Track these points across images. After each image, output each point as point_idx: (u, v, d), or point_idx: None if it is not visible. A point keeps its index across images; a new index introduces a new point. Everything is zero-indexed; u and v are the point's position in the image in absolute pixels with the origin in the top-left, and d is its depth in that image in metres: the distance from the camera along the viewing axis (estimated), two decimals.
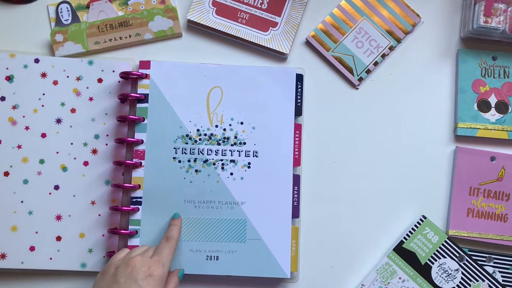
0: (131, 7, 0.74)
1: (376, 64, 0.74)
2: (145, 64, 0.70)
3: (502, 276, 0.71)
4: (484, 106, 0.74)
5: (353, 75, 0.74)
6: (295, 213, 0.70)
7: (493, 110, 0.74)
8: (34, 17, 0.74)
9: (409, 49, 0.75)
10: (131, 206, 0.68)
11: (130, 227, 0.68)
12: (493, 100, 0.74)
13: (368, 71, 0.74)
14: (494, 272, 0.71)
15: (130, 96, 0.69)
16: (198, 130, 0.70)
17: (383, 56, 0.74)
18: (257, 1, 0.74)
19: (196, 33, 0.75)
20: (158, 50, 0.74)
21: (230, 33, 0.73)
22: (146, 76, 0.70)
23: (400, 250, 0.70)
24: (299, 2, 0.74)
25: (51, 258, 0.68)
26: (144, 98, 0.70)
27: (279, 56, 0.74)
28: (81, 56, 0.72)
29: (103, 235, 0.69)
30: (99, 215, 0.69)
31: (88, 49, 0.72)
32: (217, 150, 0.70)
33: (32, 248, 0.68)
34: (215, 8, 0.74)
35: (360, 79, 0.74)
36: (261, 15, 0.74)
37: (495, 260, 0.71)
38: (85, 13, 0.73)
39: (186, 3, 0.74)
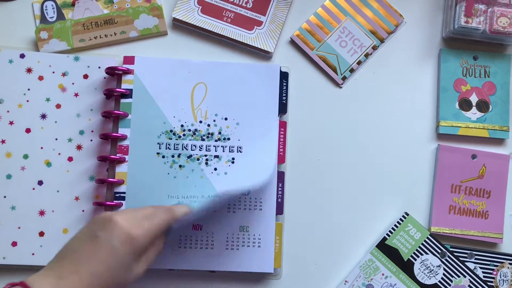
0: (117, 5, 0.74)
1: (359, 63, 0.75)
2: (129, 60, 0.71)
3: (483, 272, 0.72)
4: (465, 105, 0.75)
5: (337, 74, 0.75)
6: (279, 209, 0.71)
7: (474, 109, 0.75)
8: (19, 14, 0.74)
9: (392, 48, 0.76)
10: (114, 201, 0.68)
11: None
12: (474, 99, 0.75)
13: (352, 70, 0.75)
14: (475, 268, 0.72)
15: (114, 91, 0.69)
16: (182, 125, 0.70)
17: (367, 55, 0.75)
18: (242, 0, 0.75)
19: (182, 31, 0.75)
20: (143, 48, 0.74)
21: (215, 31, 0.74)
22: (131, 72, 0.70)
23: (383, 246, 0.71)
24: (284, 1, 0.75)
25: (33, 254, 0.67)
26: (129, 94, 0.70)
27: (264, 55, 0.75)
28: (66, 53, 0.73)
29: None
30: (83, 210, 0.69)
31: (73, 46, 0.73)
32: (201, 146, 0.70)
33: (14, 244, 0.67)
34: (201, 7, 0.74)
35: (344, 78, 0.75)
36: (246, 14, 0.75)
37: (476, 257, 0.72)
38: (70, 11, 0.74)
39: (172, 1, 0.75)
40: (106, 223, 0.53)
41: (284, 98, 0.72)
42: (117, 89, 0.70)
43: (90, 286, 0.50)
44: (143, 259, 0.55)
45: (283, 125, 0.72)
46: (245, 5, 0.75)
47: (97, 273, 0.50)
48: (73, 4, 0.74)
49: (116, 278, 0.52)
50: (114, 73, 0.70)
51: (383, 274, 0.70)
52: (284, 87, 0.72)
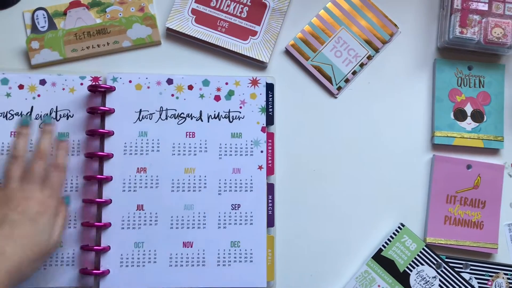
0: (109, 15, 0.73)
1: (354, 73, 0.75)
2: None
3: (478, 283, 0.72)
4: (460, 115, 0.75)
5: (332, 84, 0.75)
6: (270, 222, 0.70)
7: (469, 119, 0.75)
8: (9, 24, 0.72)
9: (387, 58, 0.76)
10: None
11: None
12: (469, 109, 0.75)
13: (347, 80, 0.75)
14: (470, 278, 0.72)
15: (98, 109, 0.69)
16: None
17: (362, 65, 0.75)
18: (236, 9, 0.74)
19: (175, 41, 0.74)
20: (137, 58, 0.73)
21: (209, 41, 0.73)
22: (113, 89, 0.70)
23: (379, 258, 0.71)
24: (279, 11, 0.75)
25: None
26: (114, 111, 0.69)
27: (258, 65, 0.74)
28: (58, 63, 0.71)
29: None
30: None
31: (65, 56, 0.71)
32: None
33: None
34: (195, 16, 0.73)
35: (339, 88, 0.75)
36: (240, 23, 0.74)
37: (471, 267, 0.72)
38: (62, 20, 0.72)
39: (165, 11, 0.74)
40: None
41: (270, 109, 0.72)
42: (101, 108, 0.69)
43: (18, 258, 0.56)
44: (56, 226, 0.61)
45: (270, 136, 0.72)
46: (239, 14, 0.74)
47: (21, 245, 0.56)
48: (65, 14, 0.72)
49: (39, 245, 0.58)
50: (96, 91, 0.69)
51: (379, 286, 0.70)
52: (270, 99, 0.72)
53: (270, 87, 0.72)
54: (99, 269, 0.67)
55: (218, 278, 0.68)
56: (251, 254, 0.69)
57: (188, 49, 0.74)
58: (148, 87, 0.70)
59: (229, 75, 0.72)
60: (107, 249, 0.67)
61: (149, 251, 0.68)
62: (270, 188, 0.71)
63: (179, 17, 0.73)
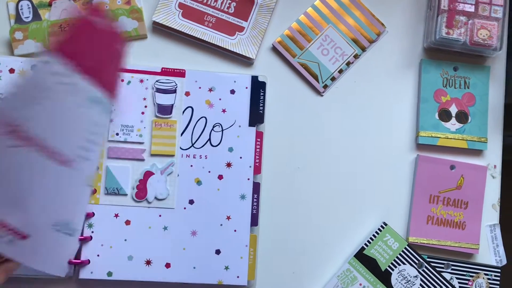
0: None
1: (341, 71, 0.75)
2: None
3: (459, 283, 0.72)
4: (445, 115, 0.75)
5: (318, 82, 0.74)
6: (254, 221, 0.70)
7: (453, 120, 0.75)
8: None
9: (373, 57, 0.76)
10: None
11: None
12: (453, 110, 0.75)
13: (333, 79, 0.75)
14: (451, 278, 0.72)
15: None
16: None
17: (348, 64, 0.75)
18: (224, 5, 0.74)
19: (162, 35, 0.74)
20: None
21: (196, 36, 0.72)
22: None
23: (361, 256, 0.71)
24: (266, 7, 0.74)
25: None
26: None
27: (245, 61, 0.74)
28: None
29: None
30: None
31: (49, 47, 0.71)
32: None
33: None
34: (181, 11, 0.73)
35: (325, 86, 0.75)
36: (227, 19, 0.74)
37: (452, 267, 0.72)
38: (47, 11, 0.72)
39: (152, 4, 0.74)
40: None
41: (261, 108, 0.72)
42: None
43: None
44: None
45: (259, 135, 0.71)
46: (226, 10, 0.74)
47: None
48: (50, 5, 0.72)
49: None
50: None
51: (360, 284, 0.70)
52: (261, 97, 0.72)
53: (261, 85, 0.72)
54: (79, 259, 0.67)
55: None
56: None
57: (174, 44, 0.74)
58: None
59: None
60: (88, 239, 0.67)
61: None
62: (256, 187, 0.71)
63: (166, 10, 0.72)
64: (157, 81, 0.70)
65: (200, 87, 0.71)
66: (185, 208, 0.69)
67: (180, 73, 0.71)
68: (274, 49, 0.75)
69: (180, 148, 0.70)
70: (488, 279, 0.73)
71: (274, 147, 0.73)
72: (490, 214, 0.75)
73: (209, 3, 0.73)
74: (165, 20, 0.72)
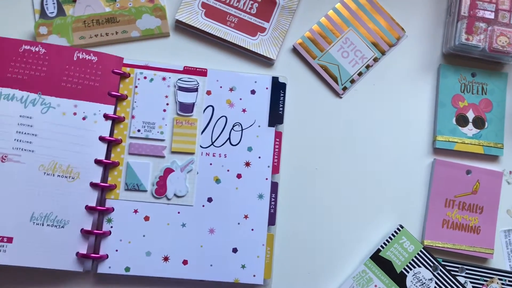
0: (119, 4, 0.73)
1: (360, 74, 0.76)
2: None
3: (473, 287, 0.73)
4: (462, 120, 0.76)
5: (338, 84, 0.75)
6: (271, 220, 0.71)
7: (470, 125, 0.76)
8: (18, 8, 0.72)
9: (392, 61, 0.77)
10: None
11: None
12: (471, 115, 0.76)
13: (353, 81, 0.75)
14: (465, 282, 0.73)
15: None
16: None
17: (368, 67, 0.76)
18: (246, 5, 0.74)
19: (184, 34, 0.74)
20: (145, 48, 0.73)
21: (218, 35, 0.73)
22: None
23: (377, 258, 0.72)
24: (288, 9, 0.75)
25: None
26: None
27: (266, 62, 0.75)
28: None
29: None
30: None
31: (73, 43, 0.71)
32: None
33: None
34: (204, 10, 0.73)
35: (344, 88, 0.75)
36: (249, 19, 0.74)
37: (467, 271, 0.73)
38: (71, 7, 0.72)
39: (175, 3, 0.74)
40: None
41: (281, 108, 0.72)
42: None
43: None
44: None
45: (278, 135, 0.72)
46: (249, 10, 0.74)
47: None
48: (74, 1, 0.72)
49: None
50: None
51: (376, 286, 0.71)
52: (281, 98, 0.72)
53: (282, 86, 0.73)
54: (98, 253, 0.67)
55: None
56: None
57: (196, 43, 0.74)
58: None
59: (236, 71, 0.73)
60: (107, 233, 0.67)
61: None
62: (274, 187, 0.71)
63: (189, 9, 0.73)
64: (179, 79, 0.71)
65: (221, 87, 0.72)
66: (203, 205, 0.69)
67: (202, 72, 0.72)
68: (295, 50, 0.75)
69: (200, 146, 0.71)
70: (502, 284, 0.73)
71: (293, 148, 0.74)
72: (505, 220, 0.75)
73: (231, 3, 0.74)
74: (188, 19, 0.73)
